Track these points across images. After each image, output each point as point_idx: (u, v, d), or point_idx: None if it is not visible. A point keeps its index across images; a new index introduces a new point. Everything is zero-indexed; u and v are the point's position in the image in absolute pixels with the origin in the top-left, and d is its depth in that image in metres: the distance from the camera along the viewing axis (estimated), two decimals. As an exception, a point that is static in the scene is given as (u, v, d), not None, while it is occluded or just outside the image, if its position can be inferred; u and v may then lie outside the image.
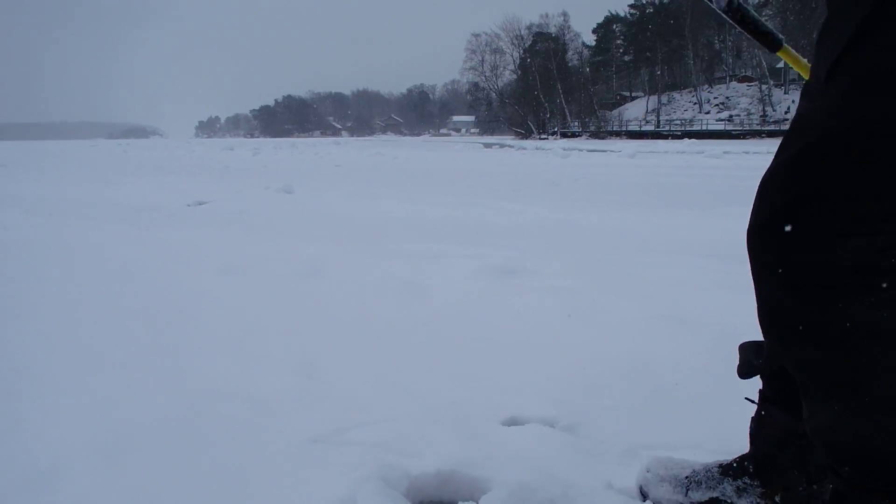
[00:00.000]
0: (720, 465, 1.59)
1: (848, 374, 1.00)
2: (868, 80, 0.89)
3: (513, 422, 2.08)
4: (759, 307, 1.09)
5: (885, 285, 0.92)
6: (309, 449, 1.87)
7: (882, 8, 0.87)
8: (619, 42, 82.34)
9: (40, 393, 2.27)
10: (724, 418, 2.06)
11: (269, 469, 1.75)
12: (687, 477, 1.60)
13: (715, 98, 69.08)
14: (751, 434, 1.54)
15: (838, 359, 1.00)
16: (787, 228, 0.98)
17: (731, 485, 1.53)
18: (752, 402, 1.54)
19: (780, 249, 0.99)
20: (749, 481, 1.51)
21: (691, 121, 64.20)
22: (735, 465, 1.56)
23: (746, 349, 1.52)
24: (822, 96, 0.97)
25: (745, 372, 1.52)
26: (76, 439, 1.91)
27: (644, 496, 1.64)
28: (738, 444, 1.88)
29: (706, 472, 1.59)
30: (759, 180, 1.05)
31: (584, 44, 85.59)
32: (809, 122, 0.99)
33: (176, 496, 1.63)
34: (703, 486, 1.57)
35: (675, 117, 67.88)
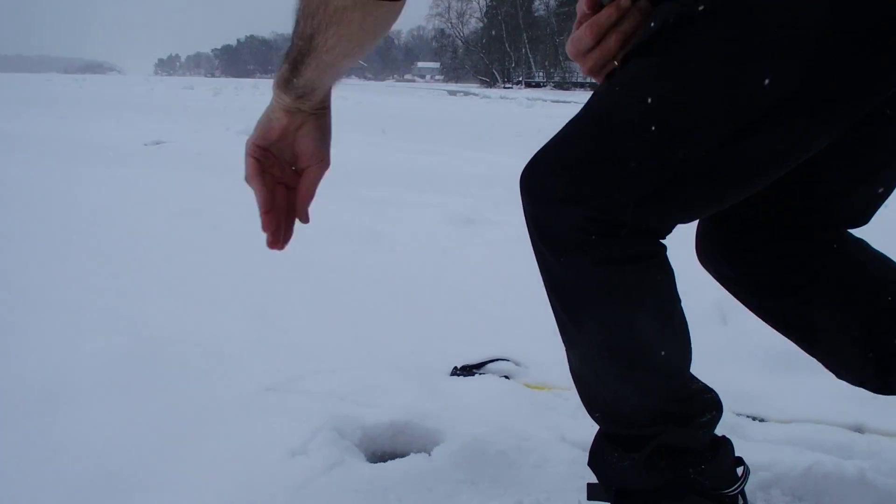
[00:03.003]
0: None
1: (569, 324, 1.09)
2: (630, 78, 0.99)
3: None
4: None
5: (593, 247, 0.99)
6: (261, 397, 1.83)
7: (653, 36, 0.96)
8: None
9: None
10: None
11: (220, 417, 1.71)
12: None
13: (681, 53, 69.24)
14: None
15: (563, 308, 1.09)
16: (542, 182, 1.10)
17: None
18: None
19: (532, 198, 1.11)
20: None
21: (656, 75, 64.41)
22: None
23: None
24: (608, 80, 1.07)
25: None
26: (22, 381, 1.85)
27: None
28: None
29: None
30: None
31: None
32: (590, 99, 1.09)
33: (123, 443, 1.59)
34: None
35: (640, 71, 67.98)
